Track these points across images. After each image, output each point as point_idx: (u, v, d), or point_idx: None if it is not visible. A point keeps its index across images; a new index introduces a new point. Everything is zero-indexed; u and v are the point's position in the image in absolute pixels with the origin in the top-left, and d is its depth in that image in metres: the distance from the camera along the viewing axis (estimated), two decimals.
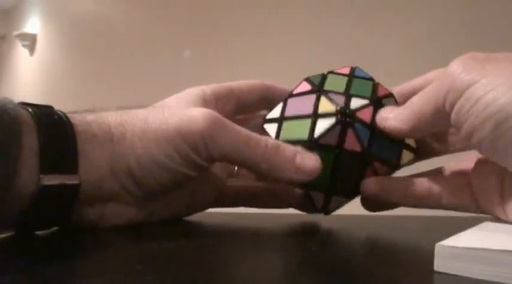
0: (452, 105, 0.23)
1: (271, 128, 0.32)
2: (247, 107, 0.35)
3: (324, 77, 0.33)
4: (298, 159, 0.29)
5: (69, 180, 0.26)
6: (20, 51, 3.73)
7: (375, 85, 0.32)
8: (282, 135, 0.31)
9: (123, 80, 2.38)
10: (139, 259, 0.23)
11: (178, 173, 0.28)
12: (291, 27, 1.65)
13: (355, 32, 1.43)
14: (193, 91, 0.33)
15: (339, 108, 0.30)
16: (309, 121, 0.30)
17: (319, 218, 0.35)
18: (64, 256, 0.24)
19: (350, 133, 0.30)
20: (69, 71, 3.03)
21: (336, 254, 0.26)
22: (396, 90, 0.33)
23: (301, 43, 1.58)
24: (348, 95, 0.31)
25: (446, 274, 0.19)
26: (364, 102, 0.30)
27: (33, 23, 3.60)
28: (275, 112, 0.33)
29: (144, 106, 0.31)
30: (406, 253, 0.26)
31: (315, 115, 0.30)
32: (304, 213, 0.35)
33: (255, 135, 0.29)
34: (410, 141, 0.32)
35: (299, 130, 0.30)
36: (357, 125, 0.30)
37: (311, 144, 0.29)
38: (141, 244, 0.26)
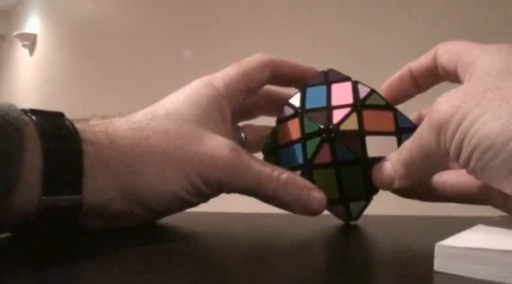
0: (450, 144, 0.24)
1: (272, 160, 0.33)
2: (256, 88, 0.34)
3: (303, 95, 0.32)
4: (304, 198, 0.30)
5: (71, 201, 0.26)
6: (20, 51, 3.73)
7: (354, 86, 0.32)
8: (282, 164, 0.32)
9: (123, 80, 2.38)
10: (139, 259, 0.23)
11: (189, 203, 0.30)
12: (291, 26, 1.65)
13: (355, 32, 1.43)
14: (204, 93, 0.31)
15: (321, 126, 0.30)
16: (299, 145, 0.31)
17: (318, 219, 0.35)
18: (64, 256, 0.24)
19: (339, 147, 0.30)
20: (69, 70, 3.03)
21: (335, 254, 0.26)
22: (404, 70, 0.33)
23: (302, 43, 1.58)
24: (329, 108, 0.31)
25: (446, 274, 0.19)
26: (346, 110, 0.30)
27: (33, 23, 3.60)
28: (271, 142, 0.34)
29: (150, 113, 0.30)
30: (406, 253, 0.26)
31: (304, 138, 0.31)
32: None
33: (266, 173, 0.29)
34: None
35: (294, 156, 0.31)
36: (345, 137, 0.30)
37: (308, 166, 0.30)
38: (141, 244, 0.26)
